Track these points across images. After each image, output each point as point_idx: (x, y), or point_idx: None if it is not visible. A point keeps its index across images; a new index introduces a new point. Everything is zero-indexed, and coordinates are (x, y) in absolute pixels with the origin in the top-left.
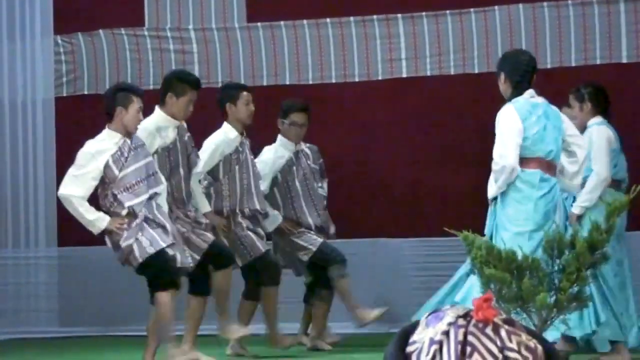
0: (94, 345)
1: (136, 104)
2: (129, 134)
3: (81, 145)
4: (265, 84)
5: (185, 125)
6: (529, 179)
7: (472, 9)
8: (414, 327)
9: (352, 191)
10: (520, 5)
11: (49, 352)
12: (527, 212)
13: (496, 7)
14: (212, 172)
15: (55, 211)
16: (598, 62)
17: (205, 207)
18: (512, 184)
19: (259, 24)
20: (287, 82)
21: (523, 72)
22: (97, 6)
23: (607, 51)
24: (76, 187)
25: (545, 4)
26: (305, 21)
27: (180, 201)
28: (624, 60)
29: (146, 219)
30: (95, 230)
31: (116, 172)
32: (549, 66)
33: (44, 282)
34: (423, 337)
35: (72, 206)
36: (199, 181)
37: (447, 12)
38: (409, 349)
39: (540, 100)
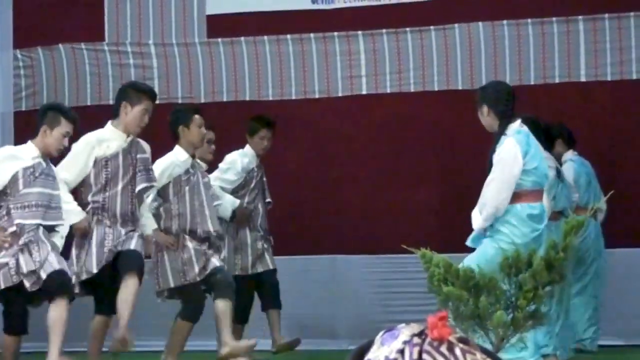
0: None
1: (63, 127)
2: (47, 155)
3: None
4: (225, 99)
5: (143, 145)
6: (537, 212)
7: (432, 27)
8: (369, 345)
9: (311, 207)
10: (480, 24)
11: None
12: (533, 244)
13: (456, 25)
14: (162, 193)
15: None
16: (557, 80)
17: (152, 225)
18: (518, 216)
19: (219, 39)
20: (247, 98)
21: (506, 101)
22: (56, 21)
23: (566, 70)
24: None
25: (504, 22)
26: (265, 37)
27: (112, 215)
28: (583, 79)
29: (29, 243)
30: None
31: (21, 186)
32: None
33: None
34: (378, 355)
35: None
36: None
37: (407, 29)
38: None
39: (526, 129)
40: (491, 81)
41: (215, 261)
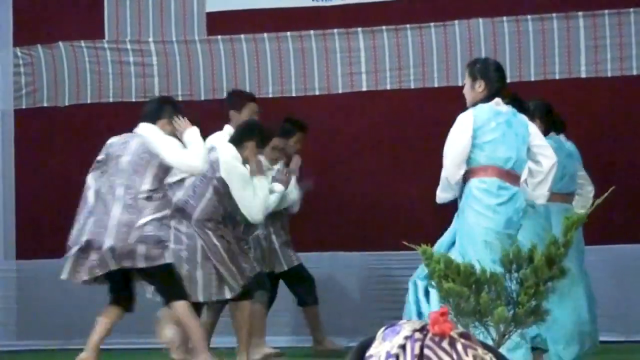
0: (51, 358)
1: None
2: None
3: (40, 157)
4: (225, 97)
5: None
6: (487, 187)
7: (431, 23)
8: (370, 341)
9: (312, 204)
10: (480, 20)
11: None
12: (487, 221)
13: (456, 22)
14: None
15: (13, 223)
16: (557, 77)
17: None
18: (470, 193)
19: (219, 37)
20: None
21: (501, 84)
22: (56, 18)
23: (566, 66)
24: None
25: (504, 18)
26: (265, 34)
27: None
28: (583, 75)
29: None
30: None
31: None
32: (508, 80)
33: (1, 295)
34: (380, 350)
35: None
36: None
37: (407, 26)
38: None
39: (505, 108)
40: (488, 59)
41: (256, 266)
